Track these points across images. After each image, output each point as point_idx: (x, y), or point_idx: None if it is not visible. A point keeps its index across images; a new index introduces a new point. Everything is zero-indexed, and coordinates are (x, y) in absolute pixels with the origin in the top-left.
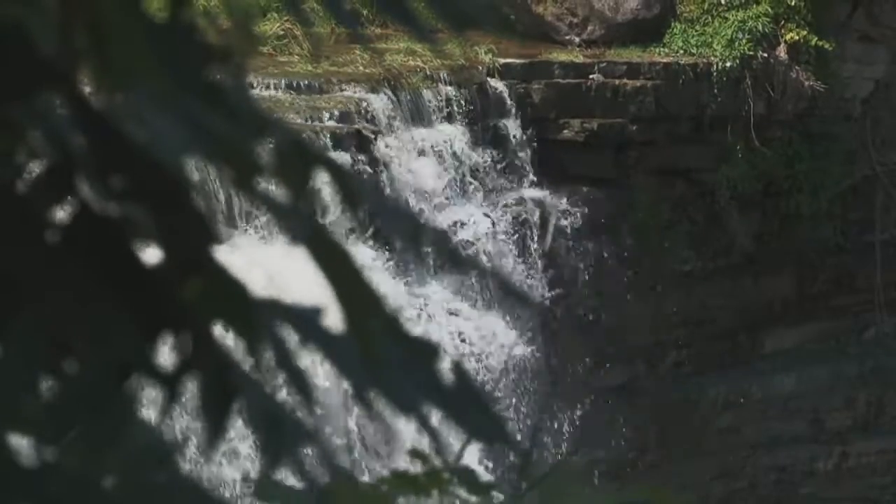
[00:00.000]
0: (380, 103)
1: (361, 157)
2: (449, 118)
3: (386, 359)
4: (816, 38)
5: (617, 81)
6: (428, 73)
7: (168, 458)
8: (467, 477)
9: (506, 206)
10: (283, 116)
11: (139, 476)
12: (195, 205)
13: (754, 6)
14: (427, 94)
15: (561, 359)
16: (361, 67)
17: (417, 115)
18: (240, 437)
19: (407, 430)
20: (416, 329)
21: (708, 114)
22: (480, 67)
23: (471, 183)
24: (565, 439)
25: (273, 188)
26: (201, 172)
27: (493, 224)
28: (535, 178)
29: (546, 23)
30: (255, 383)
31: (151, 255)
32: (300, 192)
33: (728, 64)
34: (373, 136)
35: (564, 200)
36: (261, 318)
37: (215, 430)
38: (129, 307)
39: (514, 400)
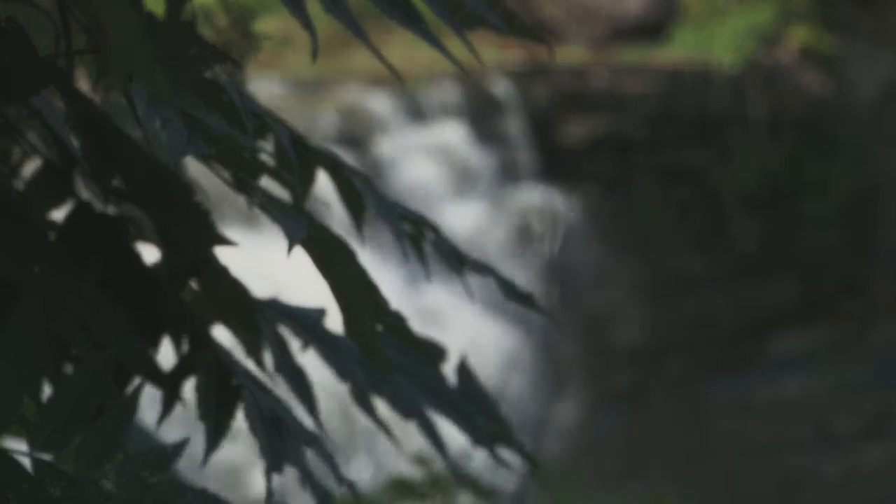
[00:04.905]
0: (380, 103)
1: (361, 156)
2: (450, 118)
3: (389, 361)
4: (823, 40)
5: (620, 82)
6: (428, 72)
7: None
8: (471, 481)
9: (507, 206)
10: (282, 116)
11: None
12: (196, 205)
13: (760, 7)
14: (427, 93)
15: (563, 362)
16: (361, 66)
17: (417, 115)
18: None
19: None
20: (420, 330)
21: (712, 115)
22: (482, 67)
23: (471, 183)
24: (568, 444)
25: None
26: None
27: (495, 225)
28: (536, 179)
29: (548, 23)
30: (256, 384)
31: (152, 255)
32: (301, 192)
33: (733, 65)
34: (372, 136)
35: (566, 201)
36: (262, 319)
37: (217, 432)
38: (130, 308)
39: (516, 403)
